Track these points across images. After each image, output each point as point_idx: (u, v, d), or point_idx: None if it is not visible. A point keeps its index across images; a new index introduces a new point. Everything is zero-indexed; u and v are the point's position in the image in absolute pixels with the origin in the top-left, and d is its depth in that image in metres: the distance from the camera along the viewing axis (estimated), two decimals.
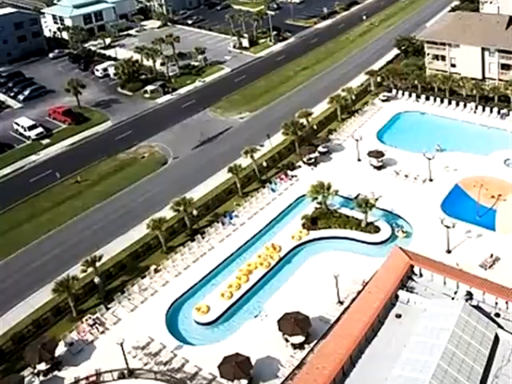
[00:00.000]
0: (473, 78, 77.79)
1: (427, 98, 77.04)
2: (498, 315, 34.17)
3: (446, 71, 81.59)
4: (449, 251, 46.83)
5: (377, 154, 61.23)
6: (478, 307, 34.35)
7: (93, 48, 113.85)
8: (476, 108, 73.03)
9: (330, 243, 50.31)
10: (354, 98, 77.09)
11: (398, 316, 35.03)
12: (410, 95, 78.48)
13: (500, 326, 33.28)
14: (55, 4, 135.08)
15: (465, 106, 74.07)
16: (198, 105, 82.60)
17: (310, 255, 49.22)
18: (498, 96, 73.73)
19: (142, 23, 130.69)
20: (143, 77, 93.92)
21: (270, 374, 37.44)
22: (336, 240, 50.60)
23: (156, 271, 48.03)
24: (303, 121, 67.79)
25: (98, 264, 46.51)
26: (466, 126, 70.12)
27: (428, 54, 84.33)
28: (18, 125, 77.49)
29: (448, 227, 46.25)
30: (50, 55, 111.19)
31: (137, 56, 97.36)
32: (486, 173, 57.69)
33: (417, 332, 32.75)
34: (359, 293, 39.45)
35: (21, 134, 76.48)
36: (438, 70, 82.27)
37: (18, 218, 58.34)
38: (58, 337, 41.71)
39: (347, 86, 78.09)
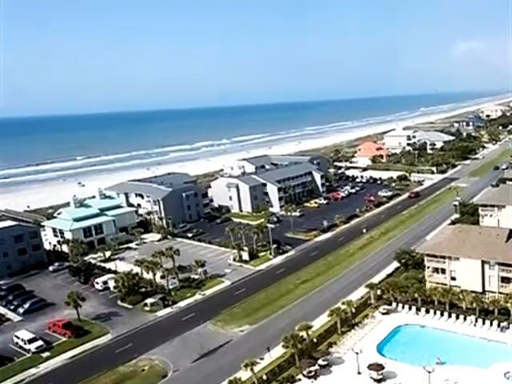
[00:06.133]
0: (473, 291, 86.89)
1: (427, 311, 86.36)
2: None
3: (446, 284, 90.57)
4: None
5: (377, 367, 69.35)
6: None
7: (93, 261, 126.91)
8: (476, 321, 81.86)
9: None
10: (353, 310, 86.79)
11: None
12: (410, 308, 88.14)
13: None
14: (55, 217, 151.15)
15: (465, 318, 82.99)
16: (198, 318, 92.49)
17: None
18: (498, 309, 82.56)
19: (142, 236, 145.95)
20: (143, 290, 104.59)
21: None
22: None
23: None
24: (303, 334, 76.28)
25: None
26: (466, 338, 78.80)
27: (428, 267, 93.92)
28: (18, 338, 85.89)
29: None
30: (50, 268, 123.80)
31: (137, 269, 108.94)
32: None
33: None
34: None
35: (21, 347, 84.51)
36: (438, 283, 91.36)
37: None
38: None
39: (347, 299, 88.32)
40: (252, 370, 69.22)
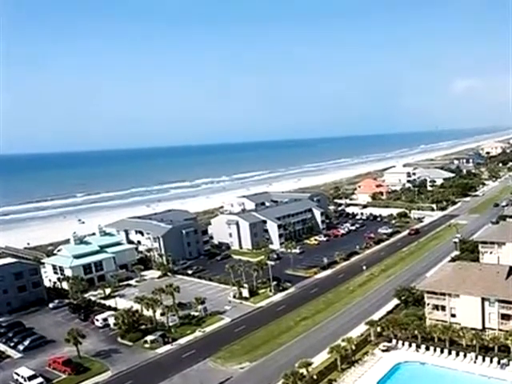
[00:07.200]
0: (473, 328, 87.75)
1: (427, 348, 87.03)
2: None
3: (446, 321, 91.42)
4: None
5: None
6: None
7: (93, 298, 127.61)
8: (476, 358, 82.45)
9: None
10: (354, 347, 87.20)
11: None
12: (410, 345, 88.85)
13: None
14: (55, 254, 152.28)
15: (465, 355, 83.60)
16: (198, 355, 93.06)
17: None
18: (498, 346, 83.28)
19: (142, 273, 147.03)
20: (143, 327, 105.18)
21: None
22: None
23: None
24: (303, 371, 77.29)
25: None
26: (466, 376, 79.31)
27: (428, 304, 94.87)
28: (18, 375, 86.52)
29: None
30: (50, 305, 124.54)
31: (137, 306, 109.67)
32: None
33: None
34: None
35: None
36: (438, 320, 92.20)
37: None
38: None
39: (347, 336, 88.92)
40: None
